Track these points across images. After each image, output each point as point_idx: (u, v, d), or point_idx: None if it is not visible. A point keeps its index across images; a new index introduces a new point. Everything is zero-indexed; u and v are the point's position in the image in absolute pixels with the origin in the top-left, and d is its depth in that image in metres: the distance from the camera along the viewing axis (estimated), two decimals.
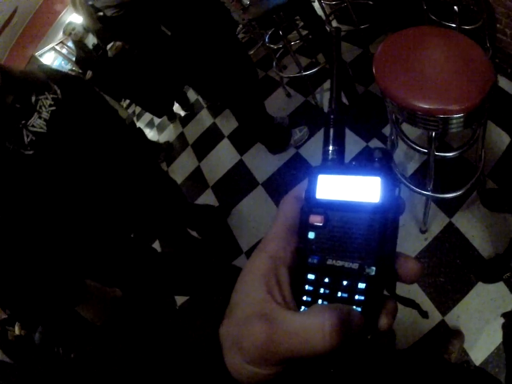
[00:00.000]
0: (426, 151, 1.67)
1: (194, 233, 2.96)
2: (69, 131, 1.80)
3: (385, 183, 0.32)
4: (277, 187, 2.92)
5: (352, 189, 0.33)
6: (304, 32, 3.06)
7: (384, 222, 0.32)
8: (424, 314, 0.38)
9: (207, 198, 3.37)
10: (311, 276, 0.35)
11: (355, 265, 0.33)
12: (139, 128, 4.39)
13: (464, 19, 1.99)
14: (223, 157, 3.62)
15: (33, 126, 1.71)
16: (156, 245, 3.56)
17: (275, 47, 3.28)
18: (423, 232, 2.09)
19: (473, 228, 2.00)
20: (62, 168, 1.82)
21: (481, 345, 1.72)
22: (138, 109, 5.88)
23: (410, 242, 2.10)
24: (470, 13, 2.02)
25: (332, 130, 0.37)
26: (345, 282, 0.33)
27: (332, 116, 0.37)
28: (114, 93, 4.02)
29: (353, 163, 0.35)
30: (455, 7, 1.90)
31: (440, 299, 1.88)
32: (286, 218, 0.36)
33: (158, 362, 0.35)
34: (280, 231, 0.36)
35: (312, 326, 0.29)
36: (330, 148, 0.36)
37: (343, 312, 0.30)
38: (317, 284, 0.34)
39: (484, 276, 1.84)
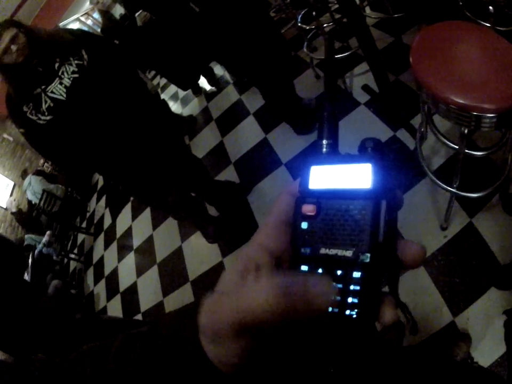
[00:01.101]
0: (456, 147, 1.66)
1: (212, 209, 3.00)
2: (89, 100, 1.78)
3: (376, 169, 0.32)
4: (300, 168, 2.89)
5: (344, 177, 0.33)
6: (337, 16, 2.99)
7: (377, 207, 0.31)
8: (414, 332, 0.35)
9: (229, 174, 3.40)
10: (304, 268, 0.34)
11: (349, 253, 0.32)
12: (163, 99, 4.39)
13: (498, 20, 1.95)
14: (247, 134, 3.62)
15: (52, 92, 1.70)
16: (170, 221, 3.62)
17: (307, 28, 3.22)
18: (443, 229, 2.07)
19: (493, 231, 1.96)
20: (78, 136, 1.83)
21: (485, 352, 1.71)
22: (163, 81, 5.84)
23: (430, 238, 2.09)
24: (504, 15, 1.98)
25: (325, 126, 0.37)
26: (339, 272, 0.32)
27: (325, 113, 0.37)
28: (141, 64, 4.00)
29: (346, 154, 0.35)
30: (490, 7, 1.86)
31: (453, 299, 1.87)
32: (279, 213, 0.37)
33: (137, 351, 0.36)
34: (272, 224, 0.36)
35: (260, 293, 0.29)
36: (324, 141, 0.37)
37: (290, 280, 0.30)
38: None
39: (497, 281, 1.82)
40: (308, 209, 0.34)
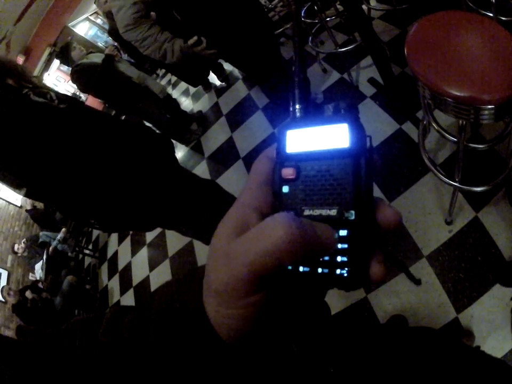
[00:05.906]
0: (456, 140, 1.62)
1: None
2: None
3: (352, 129, 0.32)
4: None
5: (321, 138, 0.33)
6: (341, 8, 2.94)
7: (357, 164, 0.31)
8: (417, 282, 0.34)
9: (238, 169, 3.44)
10: None
11: (333, 212, 0.31)
12: (175, 99, 4.41)
13: (501, 10, 1.92)
14: (255, 129, 3.63)
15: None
16: None
17: (309, 21, 3.18)
18: (448, 223, 2.03)
19: (499, 226, 1.92)
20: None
21: (489, 350, 1.68)
22: (174, 78, 5.89)
23: (435, 232, 2.05)
24: (507, 5, 1.94)
25: (297, 91, 0.37)
26: None
27: (296, 78, 0.37)
28: (150, 63, 4.02)
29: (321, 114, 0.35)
30: None
31: (457, 295, 1.84)
32: (259, 174, 0.36)
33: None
34: (253, 184, 0.35)
35: (277, 230, 0.28)
36: (297, 106, 0.37)
37: (298, 219, 0.29)
38: None
39: (502, 278, 1.78)
40: (288, 172, 0.34)
